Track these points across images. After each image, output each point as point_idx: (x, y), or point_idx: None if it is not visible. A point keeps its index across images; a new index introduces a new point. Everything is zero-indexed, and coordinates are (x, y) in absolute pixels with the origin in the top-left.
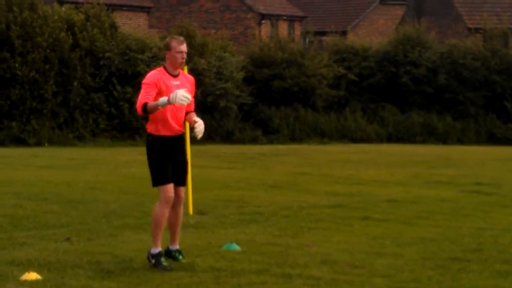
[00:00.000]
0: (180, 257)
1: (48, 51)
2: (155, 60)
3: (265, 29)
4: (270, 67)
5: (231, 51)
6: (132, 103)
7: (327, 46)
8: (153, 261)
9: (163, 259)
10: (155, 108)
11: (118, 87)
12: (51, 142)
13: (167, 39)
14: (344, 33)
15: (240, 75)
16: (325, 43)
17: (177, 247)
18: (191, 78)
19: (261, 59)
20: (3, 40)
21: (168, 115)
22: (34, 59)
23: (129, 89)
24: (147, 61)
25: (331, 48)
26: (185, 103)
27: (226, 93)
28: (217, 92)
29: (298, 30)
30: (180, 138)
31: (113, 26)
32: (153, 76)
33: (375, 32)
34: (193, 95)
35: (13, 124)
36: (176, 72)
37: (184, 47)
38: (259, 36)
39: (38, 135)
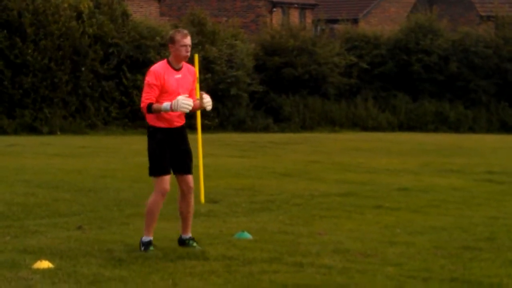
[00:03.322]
0: (194, 244)
1: (61, 39)
2: (166, 48)
3: (277, 17)
4: (281, 55)
5: (242, 39)
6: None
7: (338, 34)
8: (142, 248)
9: (151, 247)
10: (159, 111)
11: (129, 75)
12: (63, 131)
13: (171, 32)
14: (355, 21)
15: (251, 63)
16: (336, 31)
17: (189, 235)
18: (192, 69)
19: (272, 47)
20: (15, 27)
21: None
22: (46, 47)
23: (139, 77)
24: (158, 48)
25: (343, 36)
26: (187, 111)
27: (237, 81)
28: (228, 80)
29: (309, 18)
30: (181, 129)
31: (125, 14)
32: (155, 73)
33: (386, 20)
34: (194, 86)
35: (26, 112)
36: (179, 65)
37: (188, 40)
38: (270, 24)
39: (50, 124)
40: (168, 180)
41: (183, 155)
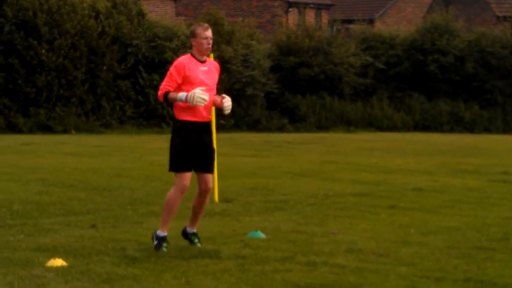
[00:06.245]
0: (196, 240)
1: (76, 38)
2: (183, 48)
3: (292, 17)
4: (296, 55)
5: (258, 39)
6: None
7: (354, 34)
8: (155, 242)
9: (165, 244)
10: (174, 100)
11: (145, 75)
12: (78, 130)
13: (192, 26)
14: (371, 21)
15: (267, 63)
16: (352, 31)
17: (194, 230)
18: (216, 64)
19: (288, 47)
20: (31, 27)
21: None
22: (61, 46)
23: (155, 77)
24: (175, 49)
25: (358, 36)
26: (202, 105)
27: (253, 81)
28: (244, 80)
29: (325, 18)
30: (207, 125)
31: (141, 14)
32: (180, 63)
33: (402, 20)
34: (217, 81)
35: (40, 111)
36: (203, 58)
37: (209, 33)
38: (286, 24)
39: (64, 123)
40: (189, 177)
41: (206, 152)
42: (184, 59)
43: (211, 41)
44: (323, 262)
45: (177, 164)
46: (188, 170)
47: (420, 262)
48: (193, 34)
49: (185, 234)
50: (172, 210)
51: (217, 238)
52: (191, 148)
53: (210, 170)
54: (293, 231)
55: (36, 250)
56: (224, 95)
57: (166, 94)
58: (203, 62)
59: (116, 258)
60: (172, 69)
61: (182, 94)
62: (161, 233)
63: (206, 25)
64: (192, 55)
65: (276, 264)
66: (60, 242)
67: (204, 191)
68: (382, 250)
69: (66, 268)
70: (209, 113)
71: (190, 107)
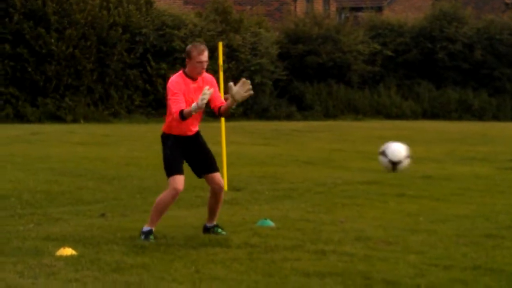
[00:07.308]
0: (220, 230)
1: (86, 28)
2: (191, 37)
3: (301, 5)
4: (305, 43)
5: (266, 27)
6: (166, 79)
7: (362, 22)
8: (142, 236)
9: (151, 236)
10: (190, 114)
11: (153, 63)
12: (87, 119)
13: (188, 47)
14: (380, 9)
15: (275, 51)
16: (360, 19)
17: (214, 223)
18: (209, 77)
19: (296, 35)
20: (39, 16)
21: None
22: (71, 36)
23: (163, 65)
24: (183, 37)
25: (367, 24)
26: (205, 100)
27: (261, 69)
28: (252, 68)
29: (333, 6)
30: (195, 137)
31: (149, 2)
32: (176, 83)
33: (411, 7)
34: (216, 90)
35: (48, 101)
36: (195, 77)
37: (204, 57)
38: (294, 12)
39: (74, 112)
40: (180, 180)
41: (203, 157)
42: (176, 78)
43: (205, 65)
44: (332, 251)
45: (168, 168)
46: (179, 172)
47: (429, 250)
48: (188, 55)
49: (207, 230)
50: (161, 212)
51: (227, 227)
52: (180, 154)
53: (215, 169)
54: (302, 220)
55: (46, 239)
56: (230, 84)
57: (181, 112)
58: (195, 80)
59: (125, 247)
60: (172, 89)
61: (194, 105)
62: (147, 228)
63: (203, 47)
64: (185, 73)
65: (285, 252)
66: (69, 231)
67: (217, 189)
68: (391, 238)
69: (75, 257)
70: (196, 125)
71: (175, 125)
